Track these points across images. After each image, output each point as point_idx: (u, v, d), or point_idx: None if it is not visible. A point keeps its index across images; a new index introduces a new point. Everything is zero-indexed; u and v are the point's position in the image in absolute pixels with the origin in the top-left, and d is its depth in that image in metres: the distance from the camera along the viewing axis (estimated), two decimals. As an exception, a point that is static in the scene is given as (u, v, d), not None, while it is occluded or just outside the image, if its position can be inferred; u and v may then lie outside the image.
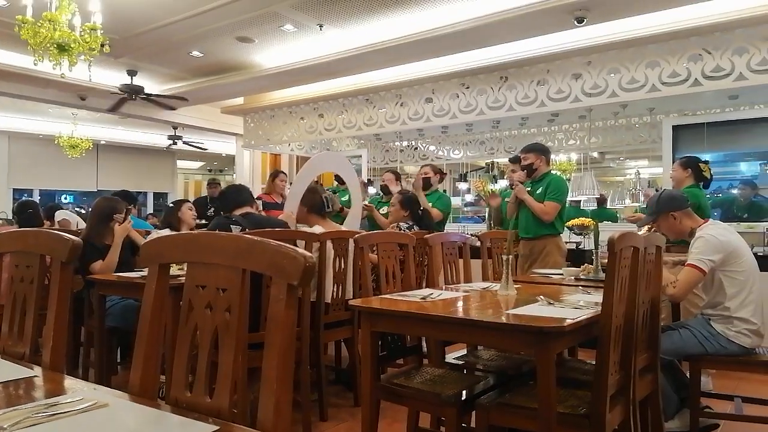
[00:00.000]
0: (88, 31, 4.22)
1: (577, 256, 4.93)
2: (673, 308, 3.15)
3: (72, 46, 4.15)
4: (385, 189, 5.69)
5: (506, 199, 4.92)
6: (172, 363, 1.19)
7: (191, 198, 10.54)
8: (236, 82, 6.95)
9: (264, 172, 10.12)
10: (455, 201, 9.34)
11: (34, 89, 7.26)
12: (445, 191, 6.65)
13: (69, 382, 1.24)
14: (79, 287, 3.60)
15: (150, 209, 13.23)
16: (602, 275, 2.78)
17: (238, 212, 3.26)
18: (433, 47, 5.50)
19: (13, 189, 11.58)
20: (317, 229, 3.48)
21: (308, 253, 1.03)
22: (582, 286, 2.96)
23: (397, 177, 5.71)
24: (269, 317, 1.04)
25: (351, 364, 3.52)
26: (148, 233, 4.25)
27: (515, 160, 4.94)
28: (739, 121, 6.16)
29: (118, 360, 3.95)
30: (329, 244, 3.32)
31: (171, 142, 10.96)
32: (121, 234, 3.66)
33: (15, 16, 4.13)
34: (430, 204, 4.98)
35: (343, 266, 3.42)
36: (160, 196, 14.00)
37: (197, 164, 16.00)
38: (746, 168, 6.38)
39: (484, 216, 8.51)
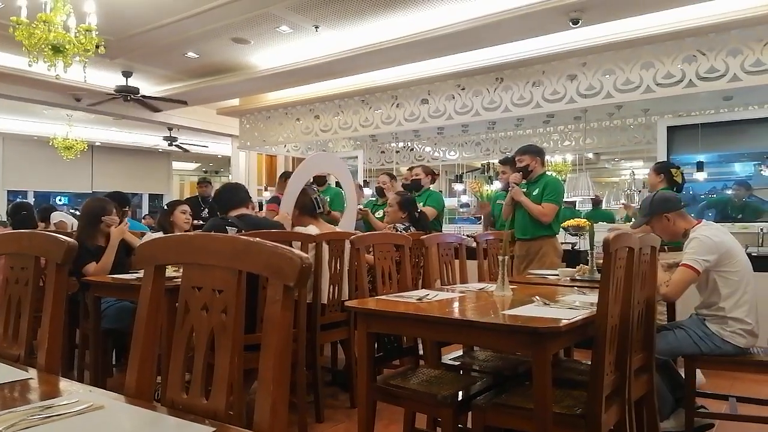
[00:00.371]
0: (83, 32, 4.21)
1: (572, 257, 4.94)
2: (668, 308, 3.16)
3: (67, 47, 4.14)
4: (379, 191, 5.69)
5: (498, 201, 4.93)
6: (168, 364, 1.18)
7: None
8: (232, 83, 6.95)
9: (260, 173, 10.11)
10: (451, 202, 9.35)
11: (29, 90, 7.24)
12: (441, 192, 6.66)
13: (64, 384, 1.23)
14: (74, 289, 3.58)
15: (145, 211, 13.20)
16: (598, 276, 2.79)
17: (233, 213, 3.24)
18: (429, 48, 5.51)
19: (8, 191, 11.54)
20: (312, 229, 3.48)
21: (304, 254, 1.03)
22: (577, 286, 2.97)
23: (392, 178, 5.70)
24: (265, 318, 1.04)
25: (347, 366, 3.52)
26: (144, 234, 4.23)
27: (506, 162, 4.94)
28: (734, 122, 6.19)
29: (114, 362, 3.93)
30: (325, 245, 3.32)
31: (168, 143, 10.94)
32: (117, 236, 3.64)
33: (9, 17, 4.11)
34: (421, 204, 4.98)
35: (339, 267, 3.42)
36: (155, 198, 13.96)
37: (193, 165, 15.98)
38: (740, 168, 6.42)
39: (480, 216, 8.52)
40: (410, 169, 5.76)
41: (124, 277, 3.30)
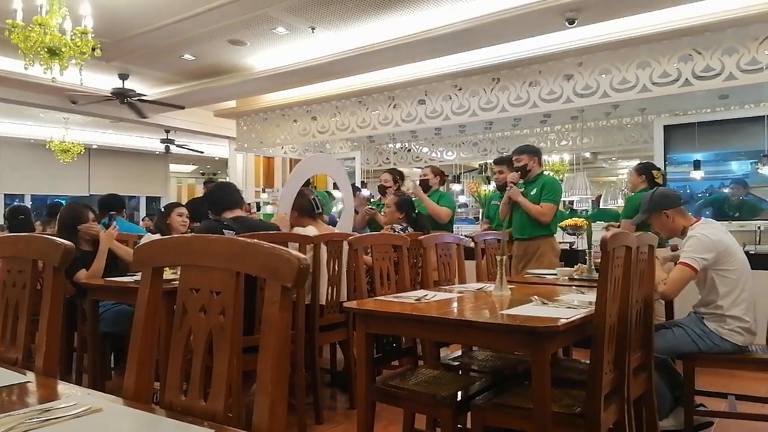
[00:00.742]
0: (79, 34, 4.20)
1: (570, 256, 4.94)
2: (666, 307, 3.17)
3: (63, 50, 4.13)
4: (381, 190, 5.64)
5: (494, 202, 4.92)
6: (166, 367, 1.18)
7: (184, 201, 10.48)
8: (229, 85, 6.94)
9: (257, 175, 10.10)
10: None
11: (25, 93, 7.22)
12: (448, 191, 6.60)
13: (62, 387, 1.23)
14: (71, 293, 3.57)
15: (143, 213, 13.18)
16: (596, 275, 2.79)
17: (228, 215, 3.23)
18: (425, 49, 5.51)
19: (5, 194, 11.50)
20: (310, 230, 3.48)
21: (302, 255, 1.03)
22: (576, 285, 2.97)
23: (396, 177, 5.49)
24: (263, 320, 1.04)
25: (346, 367, 3.52)
26: (141, 237, 4.22)
27: (501, 161, 4.93)
28: (730, 120, 6.21)
29: (112, 365, 3.93)
30: (323, 247, 3.32)
31: (164, 146, 10.92)
32: (107, 241, 3.62)
33: (5, 20, 4.11)
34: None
35: (337, 268, 3.42)
36: (153, 200, 13.94)
37: (190, 168, 15.95)
38: (737, 167, 6.43)
39: (478, 216, 8.52)
40: (423, 168, 5.65)
41: (122, 279, 3.29)
